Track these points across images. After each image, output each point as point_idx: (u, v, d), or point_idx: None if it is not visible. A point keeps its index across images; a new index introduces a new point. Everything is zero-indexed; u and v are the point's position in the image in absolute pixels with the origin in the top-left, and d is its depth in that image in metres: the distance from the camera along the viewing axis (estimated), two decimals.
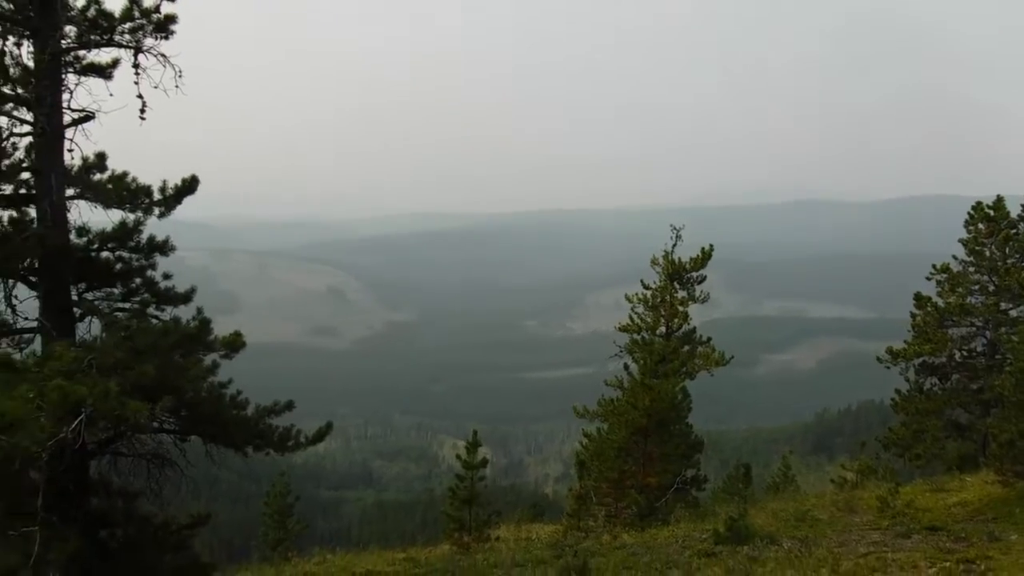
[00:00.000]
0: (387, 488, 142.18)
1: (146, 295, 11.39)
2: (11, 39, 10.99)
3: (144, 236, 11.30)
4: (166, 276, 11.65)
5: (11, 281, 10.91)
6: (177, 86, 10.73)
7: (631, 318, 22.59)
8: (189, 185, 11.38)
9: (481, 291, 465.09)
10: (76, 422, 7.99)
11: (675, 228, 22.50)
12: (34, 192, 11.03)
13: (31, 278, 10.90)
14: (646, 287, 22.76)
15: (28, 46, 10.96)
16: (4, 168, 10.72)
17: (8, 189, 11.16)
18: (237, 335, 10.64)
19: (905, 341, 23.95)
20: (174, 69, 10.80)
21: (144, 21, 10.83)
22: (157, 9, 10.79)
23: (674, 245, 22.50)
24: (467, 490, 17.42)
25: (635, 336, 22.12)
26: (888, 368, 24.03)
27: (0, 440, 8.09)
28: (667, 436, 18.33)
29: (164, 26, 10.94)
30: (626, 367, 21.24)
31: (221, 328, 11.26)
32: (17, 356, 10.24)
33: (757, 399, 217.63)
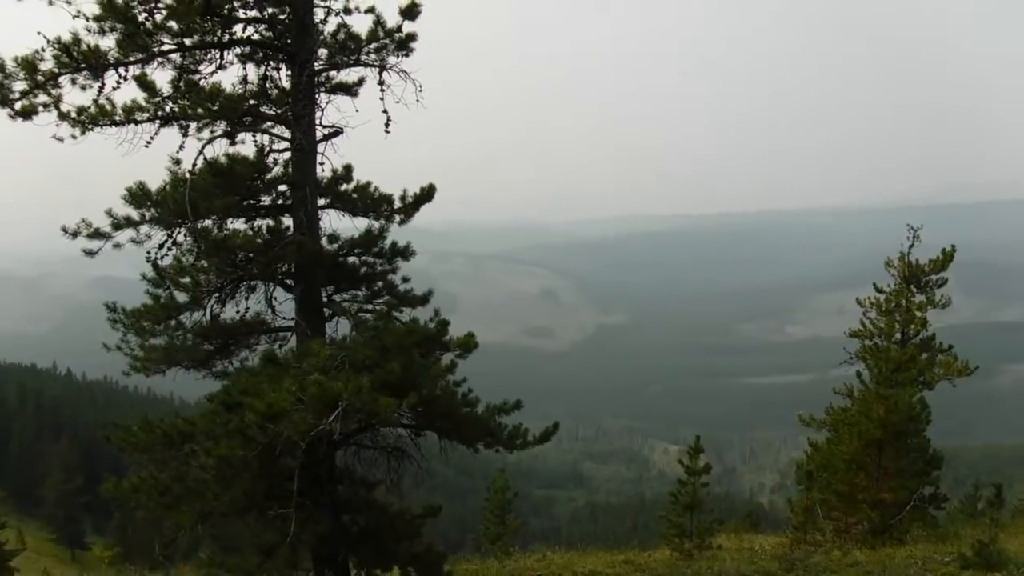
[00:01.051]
0: (597, 490, 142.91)
1: (387, 297, 12.18)
2: (270, 64, 12.10)
3: (387, 242, 12.09)
4: (405, 279, 12.38)
5: (271, 284, 12.01)
6: (418, 100, 11.34)
7: (863, 323, 21.46)
8: (427, 193, 12.05)
9: (695, 294, 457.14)
10: (334, 415, 8.66)
11: (912, 228, 21.11)
12: (289, 202, 12.03)
13: (287, 281, 11.93)
14: (879, 290, 21.54)
15: (285, 69, 12.00)
16: (266, 181, 11.80)
17: (266, 200, 12.27)
18: (470, 336, 11.10)
19: None
20: (415, 84, 11.43)
21: (388, 41, 11.54)
22: (399, 29, 11.46)
23: (911, 246, 21.14)
24: (689, 496, 17.21)
25: (867, 342, 20.99)
26: None
27: (268, 428, 8.94)
28: (903, 449, 17.25)
29: (405, 44, 11.60)
30: (858, 375, 20.21)
31: None
32: (278, 353, 11.24)
33: (997, 413, 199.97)
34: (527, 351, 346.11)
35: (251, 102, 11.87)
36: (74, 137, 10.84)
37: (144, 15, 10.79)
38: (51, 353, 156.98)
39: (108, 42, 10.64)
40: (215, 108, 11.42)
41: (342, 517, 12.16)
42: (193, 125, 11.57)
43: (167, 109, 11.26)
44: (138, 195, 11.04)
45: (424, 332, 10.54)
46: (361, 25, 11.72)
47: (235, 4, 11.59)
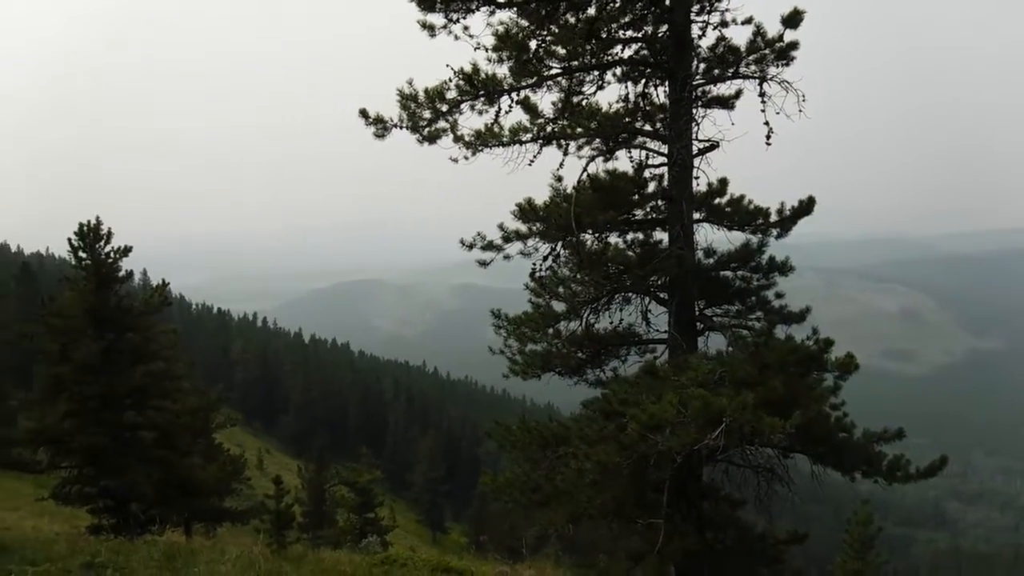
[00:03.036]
0: (963, 534, 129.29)
1: (760, 313, 11.91)
2: (648, 81, 12.35)
3: (764, 256, 11.83)
4: (778, 295, 12.03)
5: (645, 297, 12.25)
6: (800, 110, 10.88)
7: None
8: (806, 206, 11.62)
9: None
10: (718, 431, 8.59)
11: None
12: (663, 216, 12.20)
13: (661, 294, 12.10)
14: None
15: (662, 86, 12.19)
16: (643, 196, 12.08)
17: (640, 214, 12.54)
18: (851, 357, 10.44)
19: None
20: (797, 94, 11.02)
21: (767, 51, 11.26)
22: (780, 38, 11.12)
23: None
24: None
25: None
26: None
27: (647, 438, 9.09)
28: None
29: (785, 53, 11.24)
30: None
31: None
32: (657, 364, 11.43)
33: None
34: (886, 374, 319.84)
35: (626, 119, 12.20)
36: (466, 158, 11.84)
37: (536, 43, 11.54)
38: (421, 353, 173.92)
39: (502, 70, 11.53)
40: (593, 127, 11.88)
41: (706, 533, 12.07)
42: (572, 144, 12.12)
43: (548, 130, 11.91)
44: (527, 210, 11.81)
45: (806, 351, 10.11)
46: (739, 37, 11.60)
47: (614, 26, 12.01)
